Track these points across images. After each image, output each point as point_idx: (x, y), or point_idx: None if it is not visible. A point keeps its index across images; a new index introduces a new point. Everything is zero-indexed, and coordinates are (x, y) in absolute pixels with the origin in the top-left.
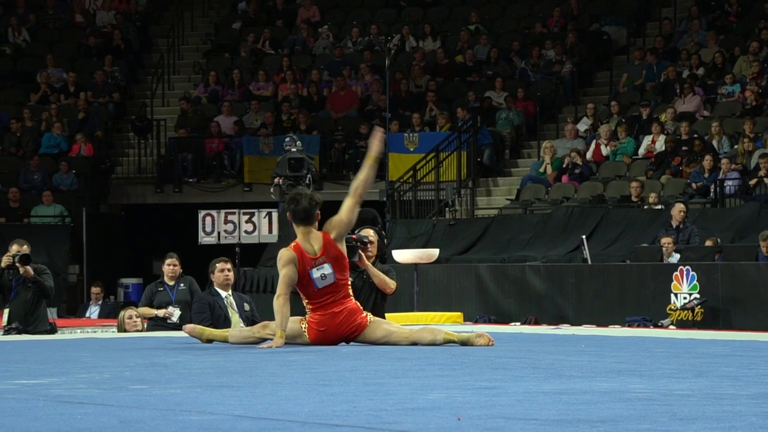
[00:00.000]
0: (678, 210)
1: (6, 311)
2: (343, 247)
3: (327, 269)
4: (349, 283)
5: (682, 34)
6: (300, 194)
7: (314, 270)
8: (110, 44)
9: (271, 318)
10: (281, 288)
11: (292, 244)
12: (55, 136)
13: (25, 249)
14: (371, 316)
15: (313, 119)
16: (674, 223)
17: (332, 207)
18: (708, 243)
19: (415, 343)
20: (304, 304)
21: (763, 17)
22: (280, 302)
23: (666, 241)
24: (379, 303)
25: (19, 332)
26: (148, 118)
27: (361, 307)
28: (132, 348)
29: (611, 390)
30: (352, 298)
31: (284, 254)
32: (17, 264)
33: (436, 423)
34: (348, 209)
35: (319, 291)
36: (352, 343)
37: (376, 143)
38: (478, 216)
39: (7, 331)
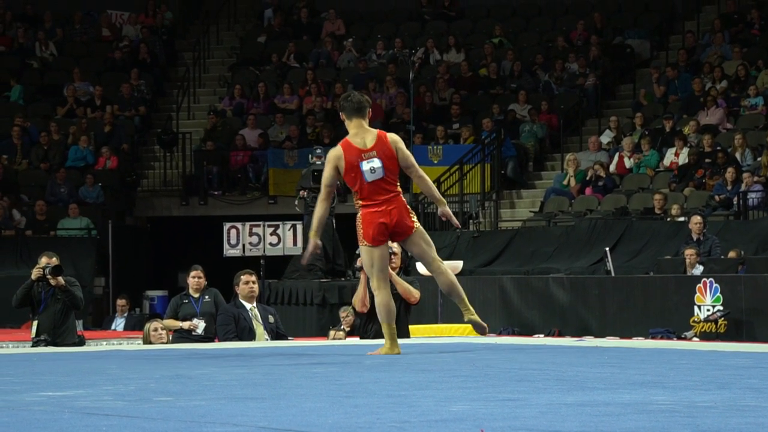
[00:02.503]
0: (694, 222)
1: (35, 323)
2: (399, 154)
3: (377, 163)
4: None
5: (705, 47)
6: (351, 92)
7: (364, 163)
8: (136, 58)
9: (297, 331)
10: (321, 189)
11: (341, 141)
12: (82, 150)
13: (55, 261)
14: (417, 224)
15: (337, 132)
16: (694, 236)
17: (354, 221)
18: (731, 255)
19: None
20: (355, 202)
21: None
22: (317, 204)
23: (690, 252)
24: (403, 313)
25: (48, 344)
26: (173, 131)
27: (410, 211)
28: (157, 360)
29: (634, 402)
30: (402, 196)
31: (329, 153)
32: (48, 276)
33: None
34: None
35: (370, 186)
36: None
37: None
38: (501, 228)
39: (35, 343)
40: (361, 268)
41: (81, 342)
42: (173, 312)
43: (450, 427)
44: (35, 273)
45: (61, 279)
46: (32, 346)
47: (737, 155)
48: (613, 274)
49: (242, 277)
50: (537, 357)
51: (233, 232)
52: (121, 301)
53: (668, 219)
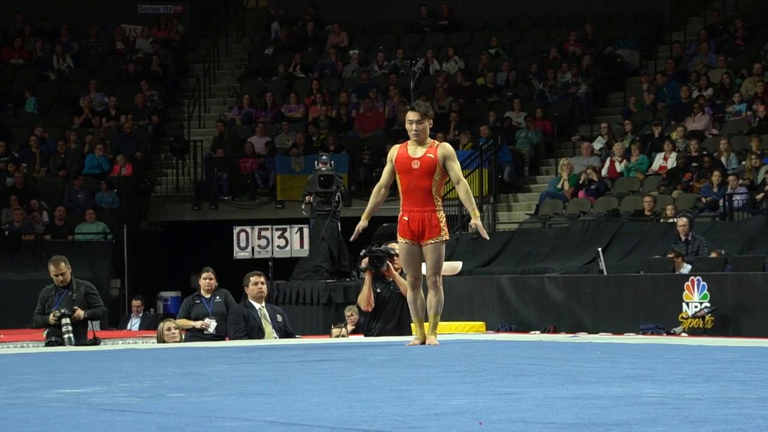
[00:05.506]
0: (680, 224)
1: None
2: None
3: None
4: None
5: (691, 57)
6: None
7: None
8: (149, 70)
9: (304, 329)
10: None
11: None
12: (98, 158)
13: (62, 267)
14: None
15: (341, 139)
16: (682, 236)
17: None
18: (715, 254)
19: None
20: (442, 203)
21: (767, 40)
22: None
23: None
24: (405, 312)
25: (59, 344)
26: (185, 139)
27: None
28: (170, 358)
29: (625, 395)
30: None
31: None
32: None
33: (458, 427)
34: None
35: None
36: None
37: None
38: (499, 230)
39: (48, 344)
40: (365, 269)
41: (95, 343)
42: (186, 312)
43: (450, 420)
44: (52, 319)
45: (80, 313)
46: (45, 345)
47: (723, 159)
48: (605, 274)
49: (251, 278)
50: (533, 353)
51: (243, 235)
52: (136, 302)
53: (661, 220)
